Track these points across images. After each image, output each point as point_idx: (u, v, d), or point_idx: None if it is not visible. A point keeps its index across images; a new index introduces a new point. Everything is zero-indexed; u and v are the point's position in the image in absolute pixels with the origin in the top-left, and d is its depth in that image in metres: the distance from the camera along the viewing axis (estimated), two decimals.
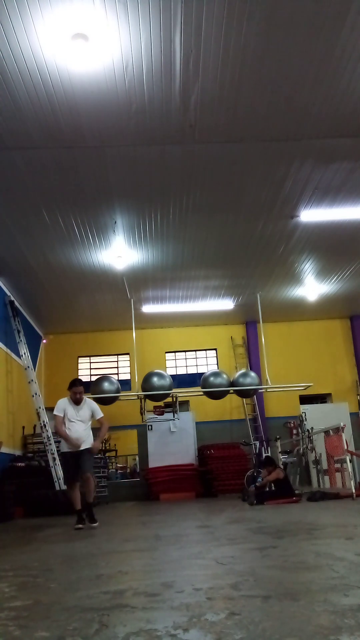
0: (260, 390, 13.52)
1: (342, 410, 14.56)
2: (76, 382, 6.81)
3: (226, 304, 13.82)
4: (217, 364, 15.47)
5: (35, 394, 11.90)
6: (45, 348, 15.15)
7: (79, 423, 6.69)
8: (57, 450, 11.40)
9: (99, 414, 6.83)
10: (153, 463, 13.39)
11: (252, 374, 12.87)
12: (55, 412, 6.76)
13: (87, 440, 6.70)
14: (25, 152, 7.14)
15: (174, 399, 12.50)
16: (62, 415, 6.69)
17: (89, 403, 6.87)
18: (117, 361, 15.48)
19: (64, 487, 10.56)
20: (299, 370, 14.70)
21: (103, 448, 13.87)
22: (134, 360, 13.43)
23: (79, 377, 6.89)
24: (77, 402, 6.72)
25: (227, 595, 2.30)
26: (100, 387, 12.20)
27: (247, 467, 12.60)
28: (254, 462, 12.26)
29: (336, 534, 4.38)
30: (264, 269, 11.73)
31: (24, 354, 11.79)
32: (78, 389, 6.74)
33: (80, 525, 6.29)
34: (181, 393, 13.08)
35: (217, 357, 15.61)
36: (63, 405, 6.76)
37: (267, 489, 9.73)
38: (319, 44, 5.67)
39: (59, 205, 8.52)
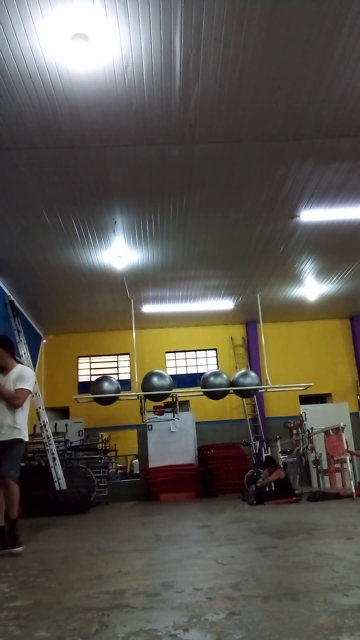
0: (260, 390, 13.51)
1: (342, 410, 14.58)
2: None
3: (226, 304, 13.81)
4: (217, 364, 15.46)
5: (35, 394, 11.88)
6: (45, 348, 15.14)
7: None
8: (56, 451, 11.41)
9: (21, 384, 4.67)
10: (153, 463, 13.39)
11: (252, 374, 12.86)
12: None
13: (5, 427, 4.63)
14: (25, 152, 7.14)
15: (174, 399, 12.49)
16: None
17: (19, 371, 4.81)
18: (117, 361, 15.47)
19: (64, 486, 10.57)
20: (299, 370, 14.70)
21: (103, 448, 13.85)
22: (134, 360, 13.43)
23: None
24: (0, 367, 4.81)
25: (227, 595, 2.30)
26: (100, 387, 12.21)
27: (247, 467, 12.60)
28: (254, 462, 12.26)
29: (336, 534, 4.38)
30: (264, 269, 11.73)
31: (24, 354, 11.78)
32: None
33: None
34: (181, 393, 13.08)
35: (217, 357, 15.61)
36: None
37: (267, 489, 9.73)
38: (319, 44, 5.67)
39: (59, 205, 8.51)
